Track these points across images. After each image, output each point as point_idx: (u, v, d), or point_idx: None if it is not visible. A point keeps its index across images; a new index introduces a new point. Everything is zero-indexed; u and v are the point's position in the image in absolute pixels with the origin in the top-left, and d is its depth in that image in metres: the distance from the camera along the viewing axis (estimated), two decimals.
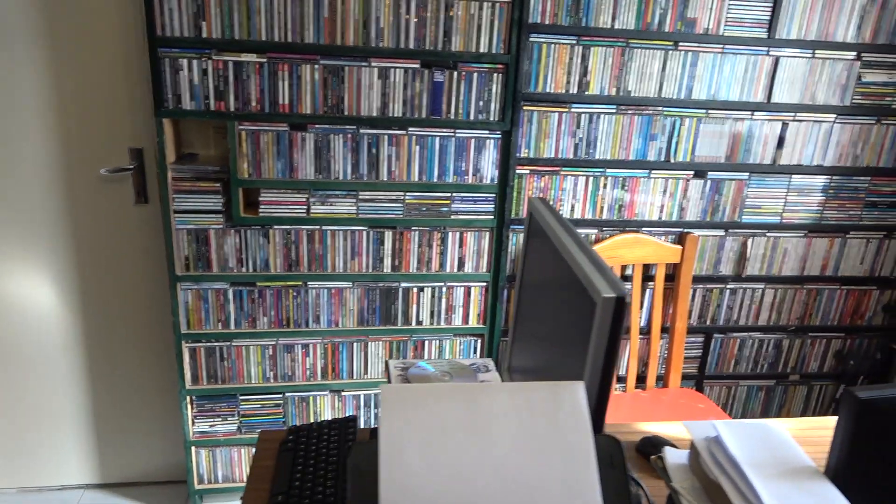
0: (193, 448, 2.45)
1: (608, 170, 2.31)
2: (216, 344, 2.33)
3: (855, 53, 2.28)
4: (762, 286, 2.54)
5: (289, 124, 2.14)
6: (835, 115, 2.35)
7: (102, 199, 2.33)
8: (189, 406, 2.39)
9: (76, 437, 2.59)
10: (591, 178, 2.32)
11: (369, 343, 2.41)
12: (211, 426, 2.43)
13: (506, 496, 0.80)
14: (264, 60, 2.06)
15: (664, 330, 2.52)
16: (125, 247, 2.39)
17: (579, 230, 2.37)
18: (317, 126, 2.15)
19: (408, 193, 2.26)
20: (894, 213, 2.51)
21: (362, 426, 2.54)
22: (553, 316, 1.11)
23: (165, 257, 2.37)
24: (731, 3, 2.17)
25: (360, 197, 2.24)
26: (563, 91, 2.21)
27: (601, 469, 0.85)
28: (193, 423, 2.42)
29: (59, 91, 2.18)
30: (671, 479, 1.04)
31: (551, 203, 2.28)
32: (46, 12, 2.10)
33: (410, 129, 2.19)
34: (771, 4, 2.19)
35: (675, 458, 1.05)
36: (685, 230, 2.42)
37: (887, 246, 2.55)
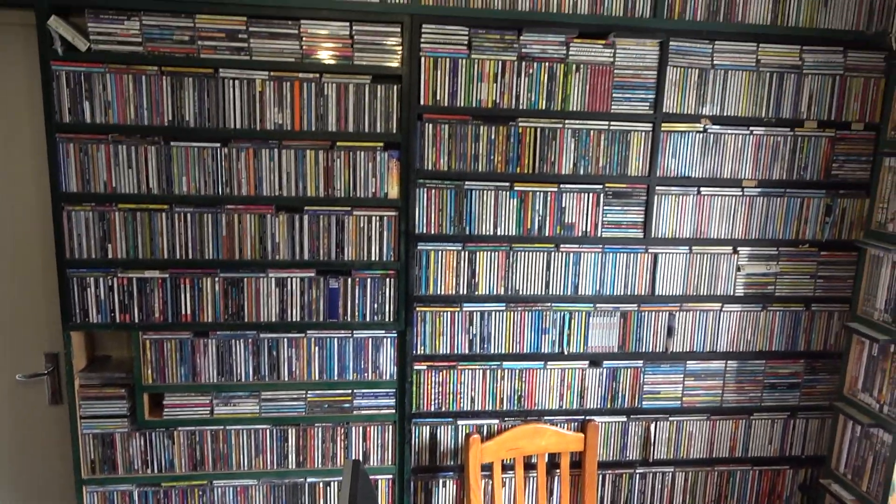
0: None
1: (504, 363, 2.39)
2: None
3: (731, 248, 2.42)
4: (671, 469, 2.54)
5: (192, 332, 2.26)
6: (720, 304, 2.45)
7: (18, 402, 2.41)
8: None
9: None
10: (488, 371, 2.39)
11: None
12: None
13: None
14: (167, 276, 2.20)
15: None
16: (39, 448, 2.44)
17: (480, 422, 2.42)
18: (218, 332, 2.26)
19: (309, 391, 2.34)
20: (794, 393, 2.55)
21: None
22: None
23: (72, 462, 2.42)
24: (607, 208, 2.34)
25: (263, 397, 2.32)
26: (454, 292, 2.33)
27: None
28: None
29: None
30: None
31: (452, 398, 2.35)
32: None
33: (309, 332, 2.30)
34: (643, 209, 2.35)
35: None
36: (587, 418, 2.46)
37: (793, 425, 2.57)
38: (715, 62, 2.30)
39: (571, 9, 2.20)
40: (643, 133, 2.31)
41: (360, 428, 2.38)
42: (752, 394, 2.53)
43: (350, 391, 2.35)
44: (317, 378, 2.33)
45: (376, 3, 2.12)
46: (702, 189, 2.37)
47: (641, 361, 2.45)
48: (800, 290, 2.48)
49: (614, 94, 2.27)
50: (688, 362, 2.48)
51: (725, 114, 2.33)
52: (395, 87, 2.18)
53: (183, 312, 2.23)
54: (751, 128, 2.35)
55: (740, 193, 2.39)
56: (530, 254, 2.33)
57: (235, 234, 2.21)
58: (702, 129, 2.33)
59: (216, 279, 2.23)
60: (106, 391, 2.26)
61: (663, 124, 2.31)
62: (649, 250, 2.38)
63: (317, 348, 2.31)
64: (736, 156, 2.36)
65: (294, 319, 2.28)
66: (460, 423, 2.41)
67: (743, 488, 2.60)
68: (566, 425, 2.46)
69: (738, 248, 2.42)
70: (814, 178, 2.41)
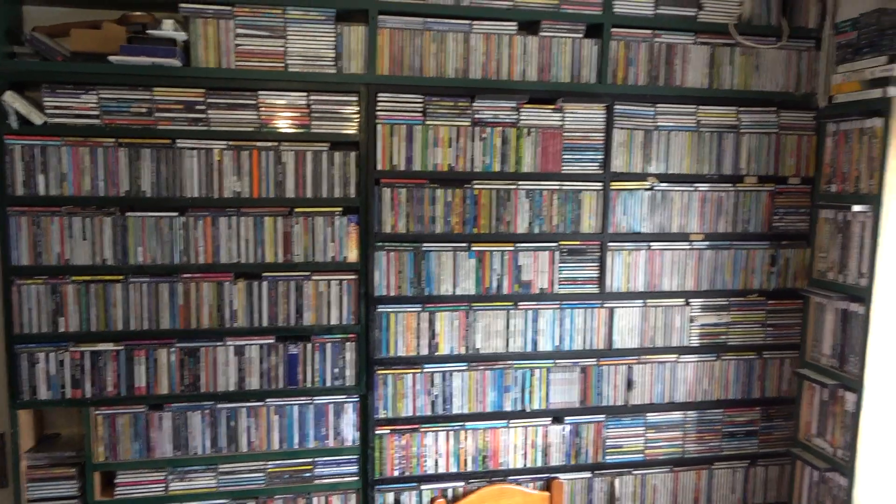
0: None
1: (467, 423, 2.39)
2: None
3: (683, 300, 2.49)
4: None
5: (146, 405, 2.20)
6: (676, 356, 2.50)
7: None
8: None
9: None
10: (451, 433, 2.38)
11: None
12: None
13: None
14: (121, 348, 2.16)
15: None
16: None
17: (445, 485, 2.39)
18: (174, 405, 2.21)
19: (269, 462, 2.28)
20: (753, 441, 2.59)
21: None
22: None
23: None
24: (562, 265, 2.39)
25: (221, 470, 2.25)
26: (415, 353, 2.33)
27: None
28: None
29: None
30: None
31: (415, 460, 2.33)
32: None
33: (268, 400, 2.26)
34: (597, 265, 2.41)
35: None
36: (551, 475, 2.45)
37: (754, 473, 2.61)
38: (658, 123, 2.41)
39: (521, 76, 2.29)
40: (594, 192, 2.39)
41: (322, 498, 2.33)
42: (712, 443, 2.57)
43: (311, 460, 2.31)
44: (277, 447, 2.28)
45: (333, 74, 2.18)
46: (652, 244, 2.45)
47: (603, 416, 2.47)
48: (751, 338, 2.55)
49: (565, 156, 2.36)
50: (648, 414, 2.51)
51: (670, 171, 2.44)
52: (353, 153, 2.23)
53: (137, 385, 2.18)
54: (695, 184, 2.46)
55: (689, 247, 2.47)
56: (490, 312, 2.36)
57: (192, 303, 2.18)
58: (649, 187, 2.43)
59: (172, 349, 2.19)
60: (54, 472, 2.17)
61: (612, 183, 2.39)
62: (605, 305, 2.44)
63: (276, 416, 2.27)
64: (683, 211, 2.46)
65: (253, 388, 2.25)
66: (424, 487, 2.38)
67: None
68: (531, 484, 2.45)
69: (690, 300, 2.50)
70: (757, 231, 2.52)
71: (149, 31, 2.07)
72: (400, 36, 2.21)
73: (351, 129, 2.22)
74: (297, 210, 2.22)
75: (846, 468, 2.25)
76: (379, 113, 2.23)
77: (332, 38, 2.16)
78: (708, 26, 2.39)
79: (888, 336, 2.13)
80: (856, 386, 2.20)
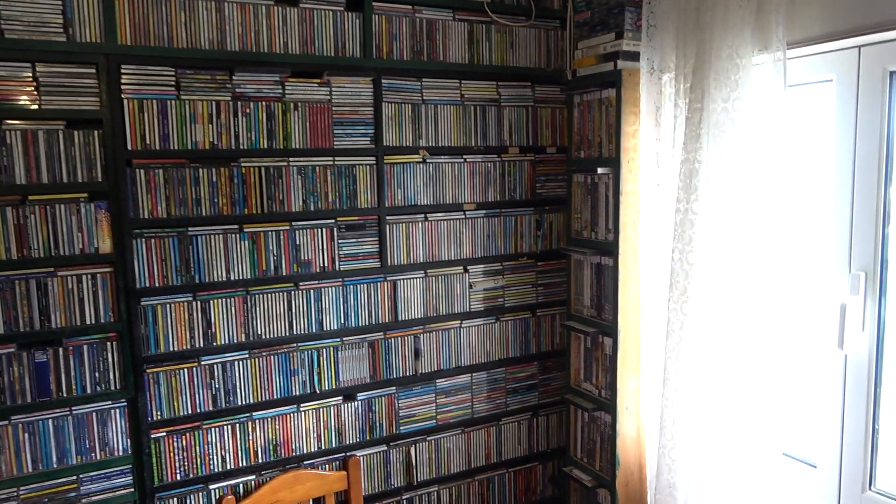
0: None
1: (254, 413, 2.28)
2: None
3: (462, 268, 2.60)
4: (436, 488, 2.61)
5: None
6: (459, 321, 2.61)
7: None
8: None
9: None
10: (237, 426, 2.26)
11: None
12: None
13: None
14: None
15: None
16: None
17: (234, 481, 2.26)
18: None
19: (22, 488, 1.99)
20: (534, 394, 2.79)
21: None
22: None
23: None
24: (341, 241, 2.37)
25: None
26: (189, 346, 2.17)
27: None
28: None
29: None
30: None
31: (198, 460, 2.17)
32: None
33: (14, 417, 1.97)
34: (377, 239, 2.42)
35: None
36: (348, 454, 2.43)
37: (536, 423, 2.81)
38: (425, 97, 2.47)
39: (283, 48, 2.22)
40: (368, 167, 2.39)
41: None
42: (499, 400, 2.72)
43: (75, 477, 2.05)
44: (30, 470, 2.00)
45: (63, 43, 1.94)
46: (429, 215, 2.51)
47: (394, 387, 2.50)
48: (525, 298, 2.74)
49: (335, 131, 2.33)
50: (437, 381, 2.58)
51: (440, 144, 2.52)
52: (96, 132, 2.00)
53: None
54: (464, 156, 2.56)
55: (463, 216, 2.58)
56: (269, 295, 2.27)
57: None
58: (421, 160, 2.48)
59: None
60: None
61: (386, 157, 2.42)
62: (388, 278, 2.46)
63: (26, 435, 1.99)
64: (455, 182, 2.56)
65: None
66: (212, 486, 2.23)
67: (502, 492, 2.76)
68: (328, 466, 2.41)
69: (468, 267, 2.61)
70: (523, 198, 2.70)
71: None
72: (142, 2, 2.02)
73: (91, 105, 1.99)
74: (31, 198, 1.95)
75: (609, 405, 2.49)
76: (124, 87, 2.03)
77: (58, 2, 1.92)
78: (465, 3, 2.50)
79: (632, 282, 2.39)
80: (611, 330, 2.44)
